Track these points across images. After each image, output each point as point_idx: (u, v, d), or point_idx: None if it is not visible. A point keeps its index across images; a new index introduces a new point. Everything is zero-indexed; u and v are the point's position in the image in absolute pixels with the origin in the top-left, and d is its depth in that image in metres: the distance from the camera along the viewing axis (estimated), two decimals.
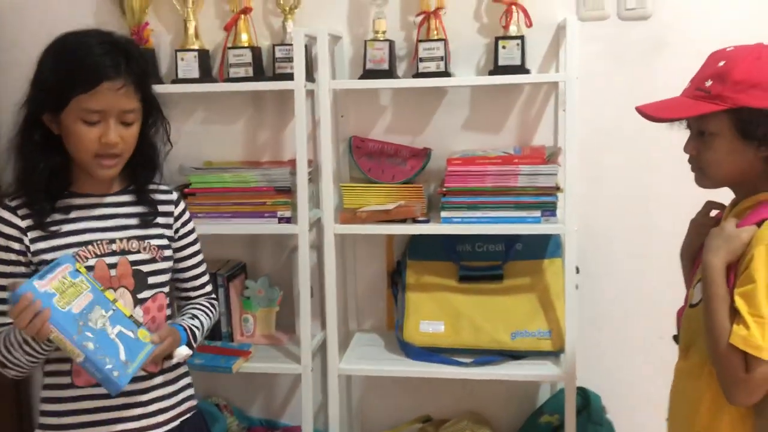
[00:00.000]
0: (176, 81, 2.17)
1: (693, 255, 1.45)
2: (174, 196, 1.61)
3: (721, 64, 1.28)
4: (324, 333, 2.29)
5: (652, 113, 1.35)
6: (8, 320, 1.36)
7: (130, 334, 1.39)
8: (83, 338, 1.31)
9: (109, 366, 1.32)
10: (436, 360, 2.10)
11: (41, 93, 1.39)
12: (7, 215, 1.42)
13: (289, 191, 2.14)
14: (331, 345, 2.13)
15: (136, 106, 1.42)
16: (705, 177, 1.35)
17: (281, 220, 2.14)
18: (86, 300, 1.35)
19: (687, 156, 1.37)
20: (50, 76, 1.38)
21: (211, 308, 1.67)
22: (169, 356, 1.50)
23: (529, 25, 2.06)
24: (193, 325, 1.57)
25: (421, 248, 2.23)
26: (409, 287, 2.21)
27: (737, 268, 1.25)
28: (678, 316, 1.45)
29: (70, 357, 1.32)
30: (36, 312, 1.26)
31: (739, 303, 1.21)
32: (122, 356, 1.35)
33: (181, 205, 1.62)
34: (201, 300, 1.67)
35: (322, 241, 2.24)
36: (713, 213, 1.45)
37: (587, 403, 2.15)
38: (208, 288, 1.70)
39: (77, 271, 1.37)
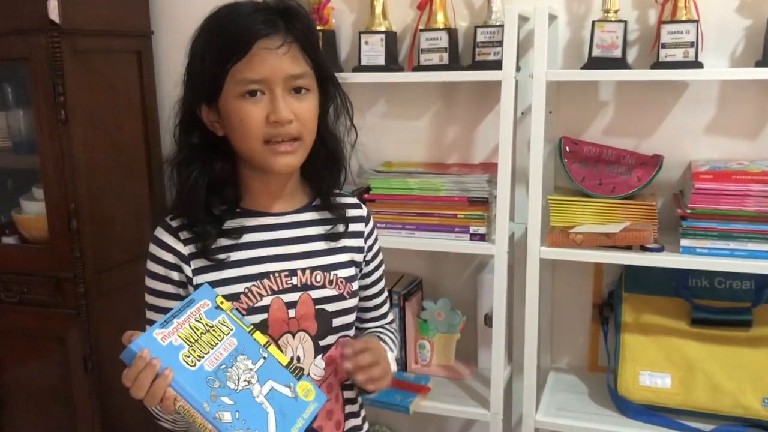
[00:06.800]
0: (358, 69, 1.87)
1: None
2: (364, 211, 1.30)
3: None
4: (510, 368, 1.95)
5: None
6: None
7: (286, 391, 1.07)
8: (217, 407, 0.99)
9: None
10: (661, 423, 1.68)
11: (195, 81, 1.12)
12: (167, 238, 1.15)
13: (484, 203, 1.78)
14: (527, 389, 1.76)
15: (305, 71, 1.11)
16: None
17: (474, 236, 1.79)
18: (227, 349, 1.04)
19: None
20: (201, 57, 1.11)
21: (394, 335, 1.36)
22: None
23: None
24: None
25: (641, 279, 1.81)
26: (625, 326, 1.79)
27: None
28: None
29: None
30: (155, 376, 0.96)
31: None
32: (272, 426, 1.03)
33: (371, 222, 1.31)
34: (383, 328, 1.37)
35: (515, 261, 1.89)
36: None
37: None
38: (390, 316, 1.40)
39: (218, 308, 1.07)
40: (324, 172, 1.23)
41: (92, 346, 1.99)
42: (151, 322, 1.14)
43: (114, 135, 2.07)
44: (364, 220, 1.29)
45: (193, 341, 1.02)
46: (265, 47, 1.07)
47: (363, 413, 1.32)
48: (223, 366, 1.03)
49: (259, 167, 1.13)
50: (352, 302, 1.23)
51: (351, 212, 1.27)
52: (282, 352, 1.14)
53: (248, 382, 1.04)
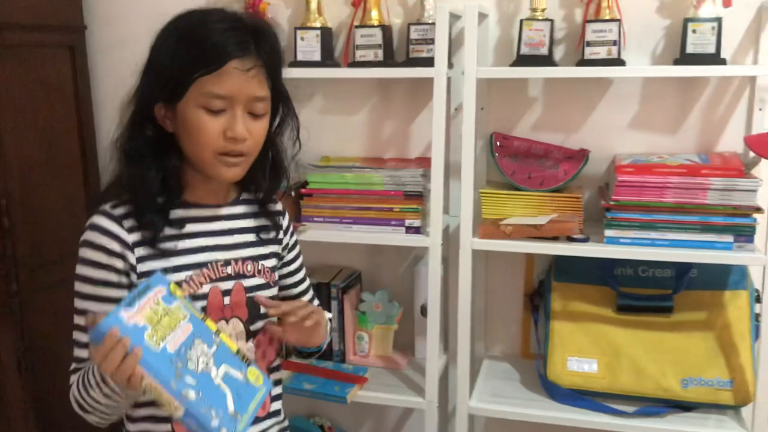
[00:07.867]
0: (295, 64, 1.89)
1: None
2: (280, 205, 1.36)
3: None
4: (446, 357, 2.00)
5: None
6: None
7: (239, 375, 1.12)
8: (183, 385, 1.03)
9: (215, 422, 1.04)
10: (588, 406, 1.76)
11: (156, 80, 1.14)
12: (110, 226, 1.15)
13: (419, 197, 1.83)
14: (461, 377, 1.82)
15: (267, 94, 1.16)
16: None
17: (409, 229, 1.83)
18: (185, 333, 1.08)
19: None
20: (167, 59, 1.13)
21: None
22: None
23: (728, 4, 1.66)
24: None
25: (569, 268, 1.88)
26: (554, 314, 1.86)
27: None
28: None
29: (165, 410, 1.04)
30: (125, 353, 0.99)
31: None
32: (230, 407, 1.08)
33: (287, 216, 1.37)
34: None
35: (450, 253, 1.94)
36: None
37: None
38: (316, 303, 1.44)
39: (172, 294, 1.10)
40: (264, 180, 1.28)
41: (26, 345, 1.95)
42: (83, 312, 1.16)
43: (47, 131, 2.03)
44: (281, 213, 1.35)
45: (155, 323, 1.05)
46: (236, 67, 1.11)
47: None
48: (183, 348, 1.06)
49: (206, 173, 1.17)
50: (276, 290, 1.30)
51: (272, 207, 1.33)
52: None
53: (206, 364, 1.08)
